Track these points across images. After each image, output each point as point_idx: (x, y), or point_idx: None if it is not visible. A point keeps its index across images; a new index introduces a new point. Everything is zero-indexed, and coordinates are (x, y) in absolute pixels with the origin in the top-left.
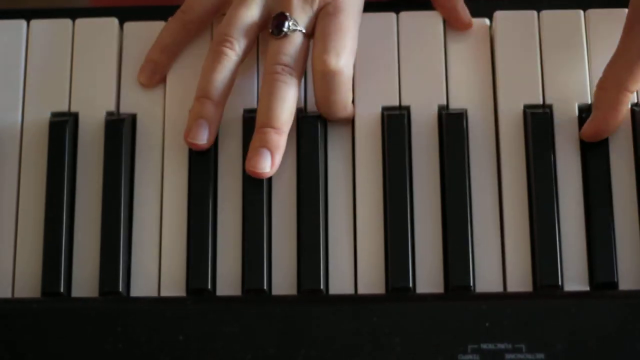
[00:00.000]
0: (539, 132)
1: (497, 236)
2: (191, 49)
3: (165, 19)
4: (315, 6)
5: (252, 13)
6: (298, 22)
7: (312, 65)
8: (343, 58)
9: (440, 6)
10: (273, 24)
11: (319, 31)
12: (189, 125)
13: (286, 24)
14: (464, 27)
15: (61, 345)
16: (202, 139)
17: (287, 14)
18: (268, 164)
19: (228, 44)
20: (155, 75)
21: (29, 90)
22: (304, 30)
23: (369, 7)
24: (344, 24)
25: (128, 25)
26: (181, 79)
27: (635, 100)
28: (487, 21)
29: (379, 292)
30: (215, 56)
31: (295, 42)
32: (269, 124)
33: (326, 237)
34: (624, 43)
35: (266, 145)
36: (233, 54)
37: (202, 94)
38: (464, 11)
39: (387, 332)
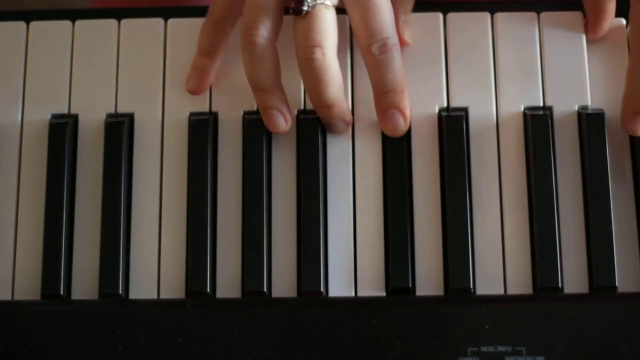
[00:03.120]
0: (539, 134)
1: (497, 238)
2: (190, 49)
3: (165, 19)
4: None
5: (273, 10)
6: None
7: (362, 51)
8: (391, 38)
9: (590, 7)
10: (291, 3)
11: (355, 16)
12: (266, 120)
13: (305, 1)
14: (599, 33)
15: (61, 348)
16: (282, 125)
17: None
18: (343, 129)
19: (253, 31)
20: (203, 80)
21: (29, 91)
22: (327, 3)
23: None
24: (376, 2)
25: (125, 22)
26: (181, 79)
27: None
28: (487, 21)
29: (379, 294)
30: (246, 47)
31: (319, 17)
32: (324, 105)
33: (326, 239)
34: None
35: (333, 120)
36: (261, 38)
37: (256, 88)
38: (608, 19)
39: (387, 335)
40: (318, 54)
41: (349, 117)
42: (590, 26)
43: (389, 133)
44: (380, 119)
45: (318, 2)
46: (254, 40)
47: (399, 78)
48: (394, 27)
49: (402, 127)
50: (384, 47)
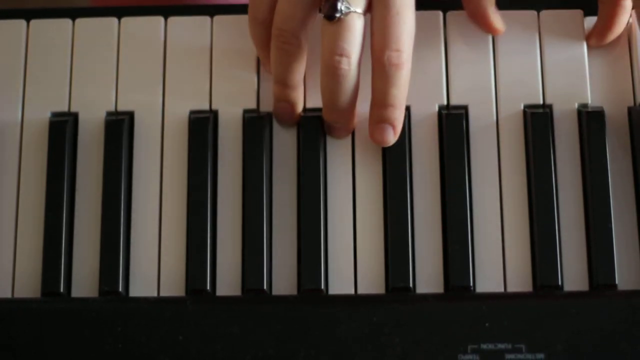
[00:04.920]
0: (539, 132)
1: (497, 236)
2: (190, 48)
3: (165, 17)
4: None
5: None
6: (352, 2)
7: (372, 55)
8: (405, 52)
9: (471, 13)
10: (325, 6)
11: (377, 20)
12: (278, 111)
13: (339, 5)
14: (495, 33)
15: (61, 345)
16: (291, 120)
17: None
18: (344, 135)
19: (287, 35)
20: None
21: (29, 90)
22: (359, 11)
23: None
24: (402, 13)
25: (125, 21)
26: (181, 77)
27: (633, 101)
28: None
29: (379, 292)
30: (279, 48)
31: (350, 25)
32: (338, 111)
33: (326, 237)
34: None
35: (338, 126)
36: (295, 39)
37: (280, 82)
38: (495, 17)
39: (387, 333)
40: (345, 63)
41: (353, 125)
42: (596, 32)
43: (376, 143)
44: (371, 128)
45: (351, 9)
46: (283, 46)
47: (402, 95)
48: (411, 45)
49: (391, 141)
50: (398, 58)
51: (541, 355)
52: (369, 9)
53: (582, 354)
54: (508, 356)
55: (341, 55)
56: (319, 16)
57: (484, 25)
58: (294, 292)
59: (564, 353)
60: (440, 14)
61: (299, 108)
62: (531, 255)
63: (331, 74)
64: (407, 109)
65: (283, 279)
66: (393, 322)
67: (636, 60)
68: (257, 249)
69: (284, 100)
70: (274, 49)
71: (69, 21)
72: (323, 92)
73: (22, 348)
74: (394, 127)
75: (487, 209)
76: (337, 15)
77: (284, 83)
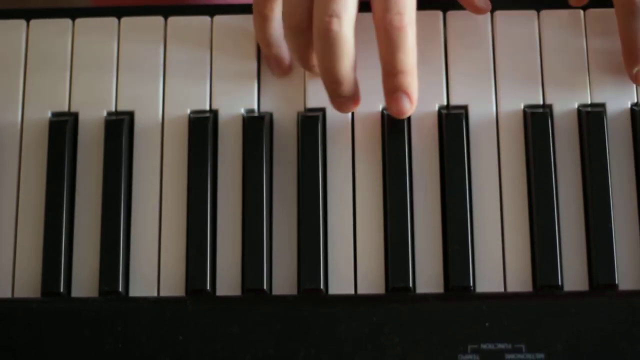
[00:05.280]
0: (539, 132)
1: (497, 236)
2: (190, 48)
3: (165, 17)
4: None
5: None
6: None
7: (375, 23)
8: (408, 15)
9: None
10: None
11: None
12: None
13: None
14: (482, 12)
15: (61, 345)
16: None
17: None
18: (352, 108)
19: (334, 19)
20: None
21: (29, 90)
22: None
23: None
24: None
25: (125, 21)
26: (181, 77)
27: (635, 100)
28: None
29: (379, 292)
30: (325, 38)
31: None
32: (335, 81)
33: (326, 237)
34: None
35: (341, 98)
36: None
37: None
38: None
39: (387, 332)
40: (335, 24)
41: (357, 96)
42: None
43: (394, 114)
44: (387, 99)
45: None
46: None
47: (410, 59)
48: (414, 8)
49: (408, 110)
50: (400, 21)
51: (541, 355)
52: None
53: (582, 354)
54: (508, 356)
55: (331, 15)
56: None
57: (469, 6)
58: (294, 292)
59: (564, 353)
60: (440, 14)
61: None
62: (531, 255)
63: (323, 37)
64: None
65: (283, 279)
66: (393, 322)
67: None
68: (257, 249)
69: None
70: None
71: (69, 21)
72: (319, 60)
73: (22, 348)
74: (408, 94)
75: (487, 209)
76: None
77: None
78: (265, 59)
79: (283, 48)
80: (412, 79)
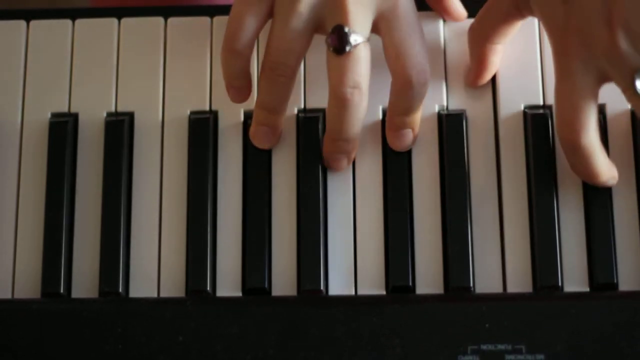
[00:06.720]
0: (539, 133)
1: (496, 237)
2: (190, 48)
3: (165, 18)
4: (374, 7)
5: (299, 30)
6: (358, 32)
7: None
8: (427, 70)
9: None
10: (332, 39)
11: (391, 43)
12: (256, 134)
13: (347, 39)
14: (458, 19)
15: (61, 346)
16: (269, 144)
17: (346, 27)
18: (344, 165)
19: (280, 70)
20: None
21: (29, 90)
22: (365, 39)
23: None
24: (413, 32)
25: (125, 21)
26: (181, 78)
27: None
28: None
29: (379, 293)
30: (270, 80)
31: (360, 57)
32: (342, 139)
33: (326, 238)
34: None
35: (341, 155)
36: (286, 77)
37: (263, 108)
38: (455, 5)
39: (386, 333)
40: (356, 96)
41: (354, 154)
42: (471, 75)
43: (397, 149)
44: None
45: (360, 40)
46: (278, 78)
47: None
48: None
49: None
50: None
51: (541, 356)
52: (373, 30)
53: (582, 355)
54: (508, 357)
55: (353, 87)
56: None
57: (446, 14)
58: (294, 292)
59: (564, 354)
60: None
61: (279, 132)
62: (531, 255)
63: (342, 105)
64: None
65: (283, 279)
66: (393, 323)
67: None
68: (257, 249)
69: (266, 124)
70: (266, 80)
71: (68, 22)
72: (330, 120)
73: (22, 349)
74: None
75: (487, 209)
76: (348, 48)
77: (270, 110)
78: (226, 85)
79: (248, 79)
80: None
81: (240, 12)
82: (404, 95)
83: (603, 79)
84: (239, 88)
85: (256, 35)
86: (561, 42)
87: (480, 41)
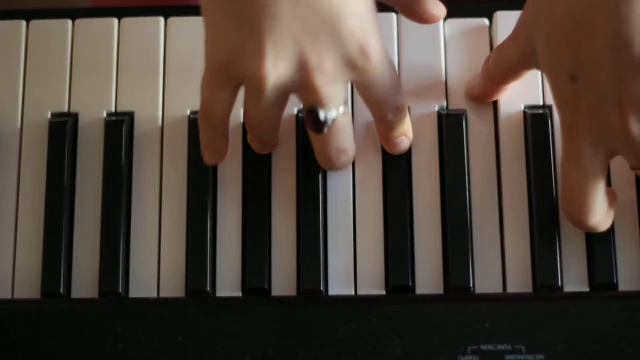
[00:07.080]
0: (539, 133)
1: (497, 237)
2: (190, 48)
3: (165, 18)
4: (345, 76)
5: (270, 105)
6: (334, 107)
7: (371, 110)
8: (349, 151)
9: (402, 9)
10: (308, 119)
11: (365, 98)
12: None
13: (325, 120)
14: (432, 21)
15: (61, 346)
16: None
17: (321, 110)
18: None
19: (259, 138)
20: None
21: (28, 90)
22: (342, 110)
23: None
24: (386, 80)
25: (125, 21)
26: (181, 78)
27: None
28: (486, 21)
29: (379, 293)
30: (258, 146)
31: (339, 128)
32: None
33: (326, 238)
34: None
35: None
36: (269, 133)
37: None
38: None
39: (386, 333)
40: (342, 158)
41: (353, 157)
42: (475, 96)
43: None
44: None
45: (338, 114)
46: (262, 135)
47: (401, 122)
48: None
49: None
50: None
51: (541, 356)
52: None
53: (582, 355)
54: (508, 357)
55: (338, 151)
56: None
57: (419, 16)
58: (294, 293)
59: (564, 354)
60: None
61: (276, 142)
62: (531, 255)
63: (331, 165)
64: (407, 109)
65: (283, 280)
66: (393, 323)
67: None
68: (257, 249)
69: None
70: (251, 133)
71: (68, 22)
72: (321, 164)
73: (22, 349)
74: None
75: (487, 209)
76: (326, 129)
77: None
78: (202, 148)
79: (226, 141)
80: (408, 125)
81: (210, 97)
82: (384, 121)
83: (612, 154)
84: (217, 151)
85: (231, 107)
86: (571, 121)
87: (493, 82)
